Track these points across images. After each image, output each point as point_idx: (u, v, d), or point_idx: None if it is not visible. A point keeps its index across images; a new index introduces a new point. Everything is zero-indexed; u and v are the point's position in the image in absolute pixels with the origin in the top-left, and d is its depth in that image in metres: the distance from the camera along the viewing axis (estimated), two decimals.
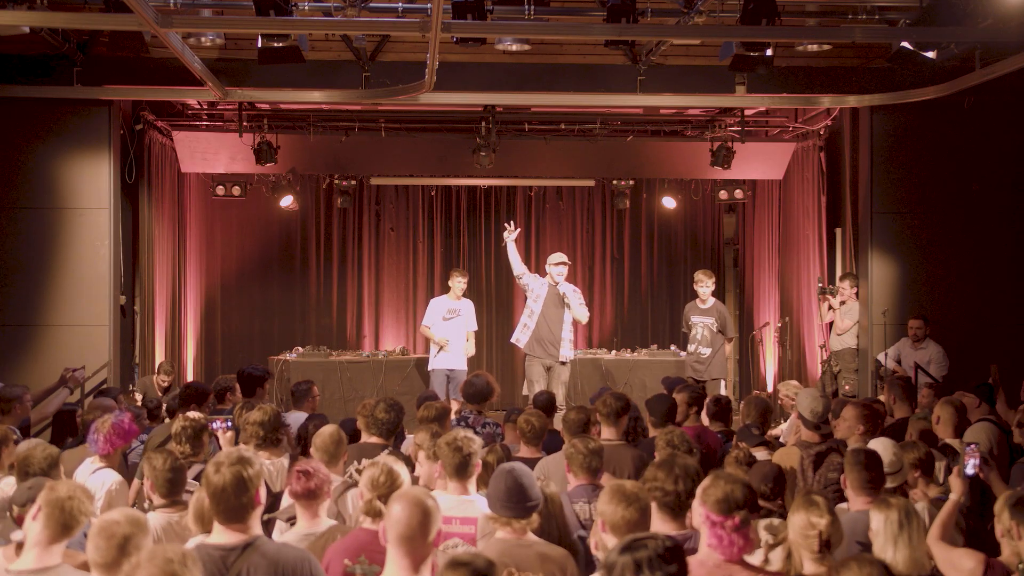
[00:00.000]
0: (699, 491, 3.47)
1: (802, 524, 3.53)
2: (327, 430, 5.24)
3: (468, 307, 10.82)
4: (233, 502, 3.39)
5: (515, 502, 3.83)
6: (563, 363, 9.99)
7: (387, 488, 3.88)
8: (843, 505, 4.63)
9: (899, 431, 6.47)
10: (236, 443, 5.56)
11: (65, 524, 3.52)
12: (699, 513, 3.41)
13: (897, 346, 9.74)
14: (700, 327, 10.22)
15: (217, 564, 3.34)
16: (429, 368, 10.76)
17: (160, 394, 9.77)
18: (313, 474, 4.28)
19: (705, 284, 10.30)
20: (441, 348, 10.51)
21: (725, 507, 3.33)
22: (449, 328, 10.59)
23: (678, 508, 3.71)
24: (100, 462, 5.13)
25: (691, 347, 10.30)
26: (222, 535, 3.44)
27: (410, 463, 5.28)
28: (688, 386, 7.46)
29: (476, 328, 10.95)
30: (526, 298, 10.26)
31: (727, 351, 10.44)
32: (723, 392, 9.73)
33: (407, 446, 6.31)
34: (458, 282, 10.69)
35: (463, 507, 4.33)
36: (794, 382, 8.80)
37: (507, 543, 3.80)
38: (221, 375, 8.53)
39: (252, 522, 3.45)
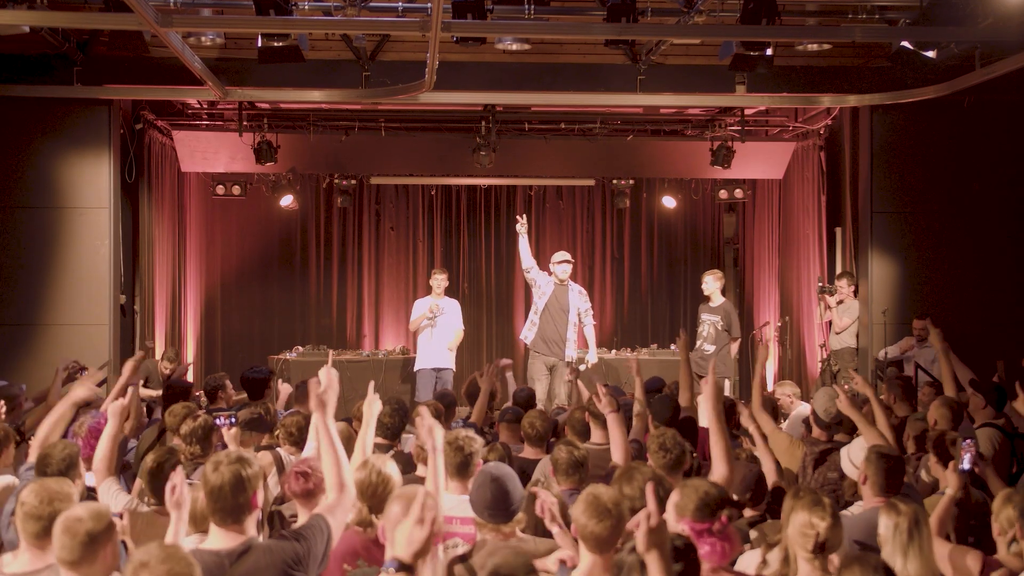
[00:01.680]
0: (670, 507, 3.35)
1: (802, 523, 3.47)
2: (336, 427, 5.20)
3: (452, 306, 10.78)
4: (230, 501, 3.35)
5: (500, 509, 3.83)
6: (567, 363, 10.02)
7: (379, 498, 3.86)
8: (844, 512, 4.59)
9: (899, 431, 6.46)
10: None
11: (45, 526, 3.47)
12: (680, 530, 3.28)
13: (900, 345, 9.74)
14: (707, 324, 10.39)
15: (213, 571, 3.26)
16: (415, 368, 10.68)
17: (162, 380, 9.81)
18: (311, 474, 4.26)
19: (706, 283, 10.43)
20: (433, 314, 10.40)
21: (708, 512, 3.27)
22: (434, 328, 10.56)
23: None
24: (86, 464, 5.11)
25: (697, 343, 10.44)
26: (218, 539, 3.38)
27: (411, 463, 5.28)
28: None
29: (462, 327, 10.86)
30: (532, 295, 10.35)
31: (733, 351, 10.49)
32: (727, 392, 9.78)
33: (407, 446, 6.31)
34: (438, 280, 10.63)
35: (463, 507, 4.31)
36: (791, 382, 8.81)
37: (495, 544, 3.80)
38: (211, 374, 8.48)
39: (248, 524, 3.40)
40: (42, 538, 3.48)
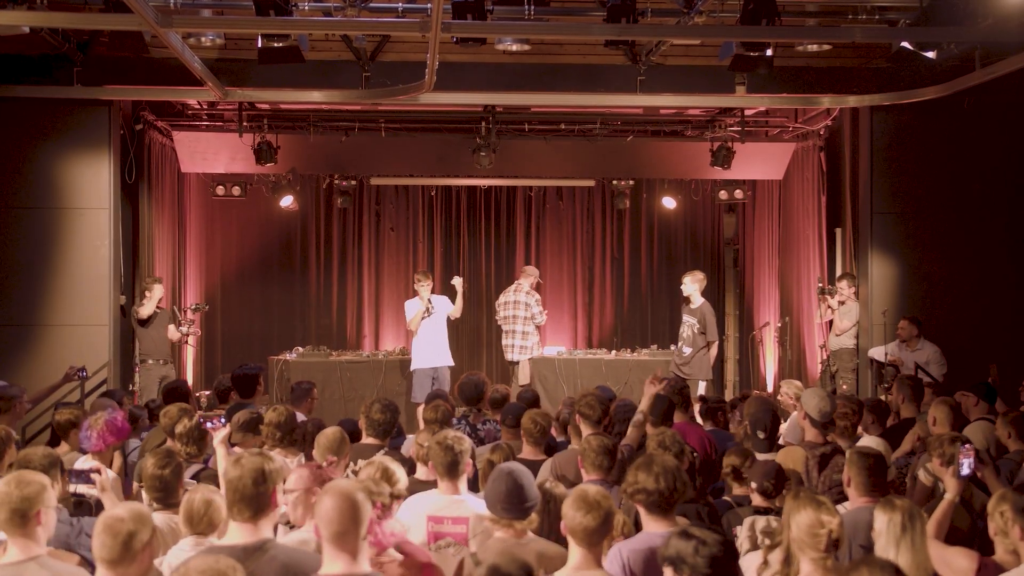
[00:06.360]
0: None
1: (810, 523, 3.47)
2: (330, 431, 5.21)
3: (440, 301, 10.93)
4: (251, 491, 3.34)
5: (514, 504, 3.85)
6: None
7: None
8: (842, 505, 4.62)
9: (902, 431, 6.47)
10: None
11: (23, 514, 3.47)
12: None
13: (889, 350, 9.72)
14: (686, 326, 10.57)
15: None
16: (412, 368, 10.75)
17: (155, 311, 10.13)
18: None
19: (684, 284, 10.66)
20: (428, 310, 10.65)
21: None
22: (427, 327, 10.65)
23: (665, 506, 3.75)
24: (93, 459, 5.12)
25: (678, 344, 10.62)
26: (235, 534, 3.38)
27: (410, 463, 5.27)
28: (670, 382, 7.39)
29: (455, 307, 11.05)
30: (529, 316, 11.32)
31: (712, 353, 10.48)
32: (701, 391, 9.88)
33: (407, 447, 6.31)
34: (422, 287, 10.75)
35: (454, 507, 4.33)
36: (796, 381, 8.79)
37: (507, 543, 3.81)
38: (222, 375, 8.50)
39: (265, 523, 3.40)
40: (10, 526, 3.46)
